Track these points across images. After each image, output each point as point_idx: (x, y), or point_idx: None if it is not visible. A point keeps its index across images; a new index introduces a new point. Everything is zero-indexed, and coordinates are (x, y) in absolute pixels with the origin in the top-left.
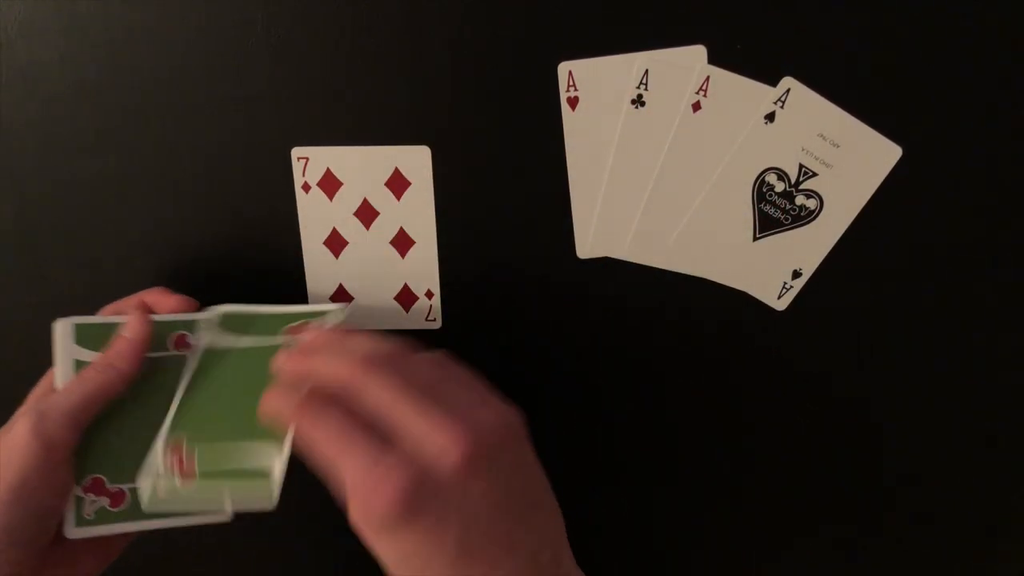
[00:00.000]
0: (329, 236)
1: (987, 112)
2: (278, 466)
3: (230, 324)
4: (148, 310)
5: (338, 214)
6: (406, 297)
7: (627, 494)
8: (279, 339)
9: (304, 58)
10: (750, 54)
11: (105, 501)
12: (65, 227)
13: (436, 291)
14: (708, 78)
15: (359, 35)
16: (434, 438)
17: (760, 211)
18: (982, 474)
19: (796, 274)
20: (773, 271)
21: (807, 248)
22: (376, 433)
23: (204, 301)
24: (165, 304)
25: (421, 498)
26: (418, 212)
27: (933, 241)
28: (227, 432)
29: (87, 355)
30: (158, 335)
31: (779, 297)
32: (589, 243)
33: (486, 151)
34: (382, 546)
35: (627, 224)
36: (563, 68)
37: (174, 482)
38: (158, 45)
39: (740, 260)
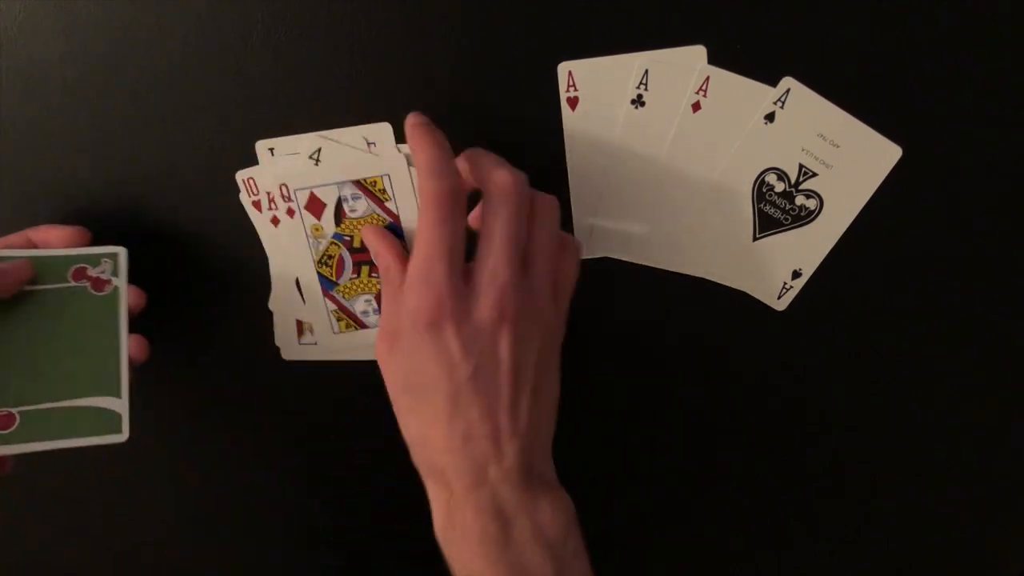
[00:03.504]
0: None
1: (987, 112)
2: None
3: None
4: (32, 246)
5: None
6: None
7: (626, 493)
8: (61, 284)
9: (304, 58)
10: (750, 54)
11: None
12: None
13: None
14: (708, 78)
15: (359, 35)
16: (493, 283)
17: (760, 211)
18: (982, 474)
19: (796, 274)
20: (773, 271)
21: (807, 248)
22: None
23: (205, 302)
24: (54, 236)
25: (450, 321)
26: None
27: (933, 241)
28: (41, 388)
29: None
30: (55, 267)
31: (779, 297)
32: (589, 243)
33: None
34: (394, 340)
35: (627, 224)
36: (563, 68)
37: None
38: (158, 45)
39: (740, 260)
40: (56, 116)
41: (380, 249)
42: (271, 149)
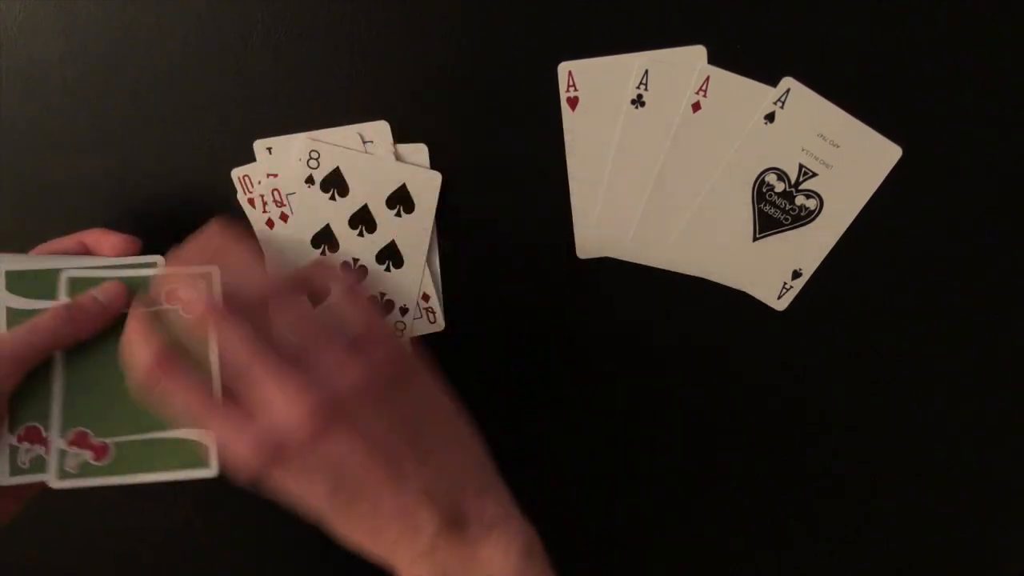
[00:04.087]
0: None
1: (987, 112)
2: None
3: (83, 288)
4: (85, 251)
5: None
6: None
7: (626, 493)
8: (158, 306)
9: (304, 58)
10: (750, 54)
11: (88, 455)
12: (65, 227)
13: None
14: (708, 78)
15: (359, 35)
16: (279, 399)
17: (760, 211)
18: (982, 474)
19: (796, 274)
20: (773, 271)
21: (807, 248)
22: (229, 391)
23: None
24: (106, 243)
25: (277, 459)
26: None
27: (933, 241)
28: (134, 417)
29: (18, 302)
30: (133, 289)
31: (779, 297)
32: (589, 243)
33: (486, 151)
34: (266, 488)
35: (627, 224)
36: (563, 68)
37: (86, 457)
38: (158, 45)
39: (740, 260)
40: (56, 116)
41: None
42: (269, 148)
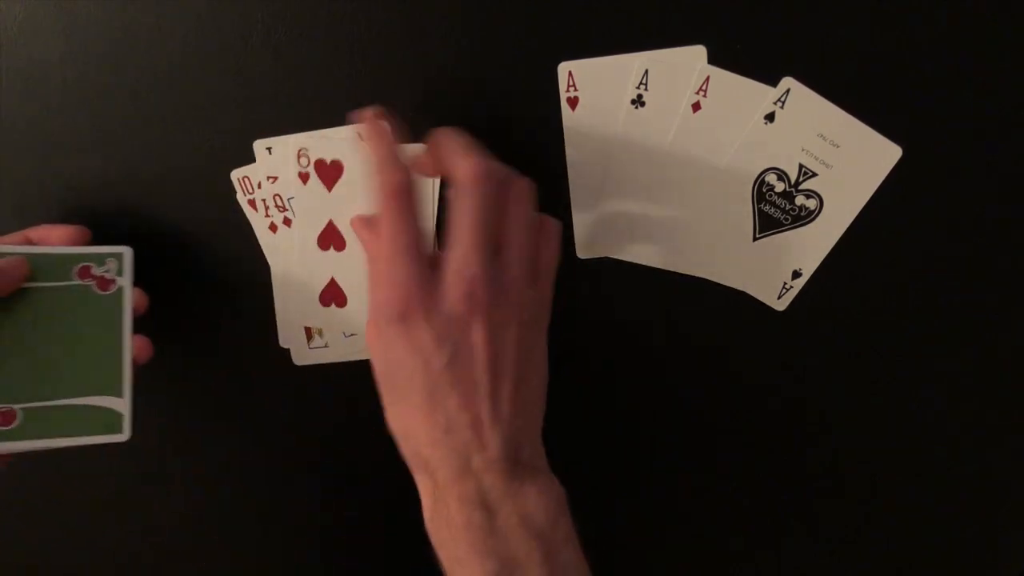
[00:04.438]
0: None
1: (987, 112)
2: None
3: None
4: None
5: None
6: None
7: (626, 493)
8: (65, 281)
9: (304, 58)
10: (750, 54)
11: None
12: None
13: None
14: (708, 78)
15: (359, 35)
16: (461, 273)
17: (760, 211)
18: (982, 474)
19: (796, 274)
20: (773, 271)
21: (807, 248)
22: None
23: (205, 301)
24: (54, 236)
25: (420, 313)
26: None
27: (933, 241)
28: (46, 385)
29: None
30: (59, 266)
31: (779, 297)
32: (589, 243)
33: (486, 151)
34: (372, 333)
35: (627, 224)
36: (563, 68)
37: None
38: (158, 45)
39: (740, 260)
40: (56, 116)
41: (363, 238)
42: (269, 148)
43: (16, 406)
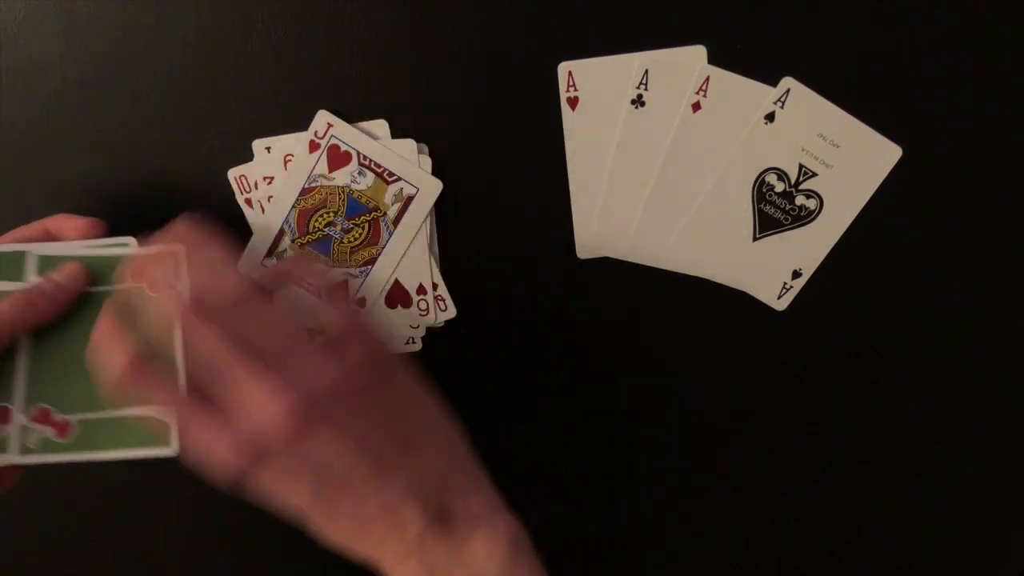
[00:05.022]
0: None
1: (987, 112)
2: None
3: (52, 267)
4: (49, 237)
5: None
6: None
7: (626, 493)
8: (106, 285)
9: (304, 58)
10: (750, 54)
11: (50, 431)
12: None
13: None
14: (708, 78)
15: (359, 35)
16: (257, 400)
17: (760, 211)
18: (982, 474)
19: (796, 274)
20: (773, 271)
21: (807, 248)
22: (203, 392)
23: None
24: (69, 227)
25: (258, 461)
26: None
27: (933, 241)
28: (97, 401)
29: None
30: (115, 268)
31: (779, 297)
32: (589, 243)
33: (486, 151)
34: (247, 490)
35: (627, 224)
36: (563, 68)
37: (47, 433)
38: (158, 45)
39: (740, 260)
40: (56, 116)
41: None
42: (268, 148)
43: (73, 417)
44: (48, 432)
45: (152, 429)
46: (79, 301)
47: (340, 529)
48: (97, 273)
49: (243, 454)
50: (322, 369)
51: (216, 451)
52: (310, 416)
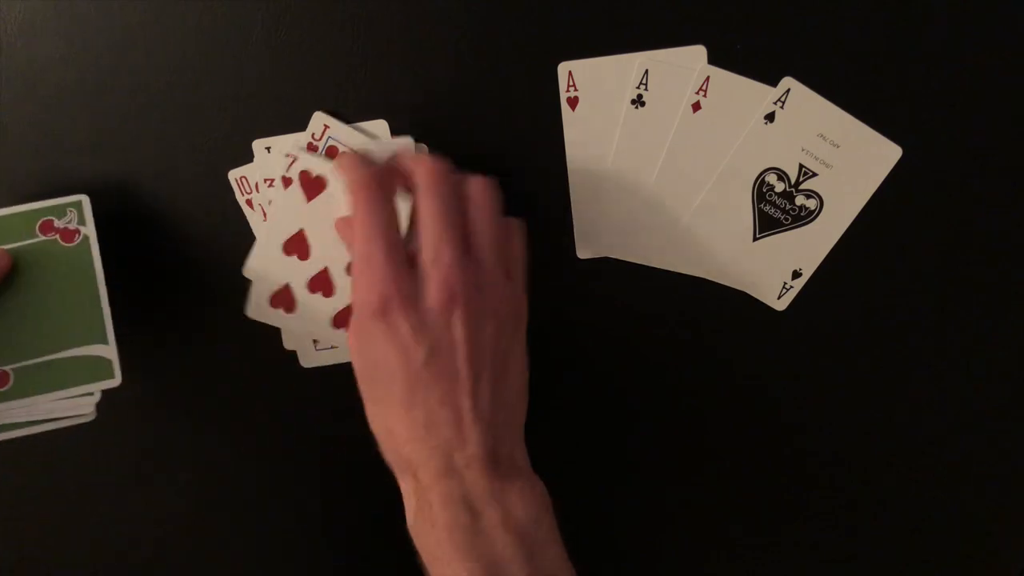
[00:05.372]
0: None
1: (987, 112)
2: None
3: None
4: None
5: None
6: None
7: (626, 494)
8: (29, 240)
9: (304, 58)
10: (750, 54)
11: None
12: None
13: None
14: (708, 78)
15: (359, 34)
16: (437, 265)
17: (760, 211)
18: (982, 474)
19: (796, 274)
20: (773, 271)
21: (807, 248)
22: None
23: (205, 301)
24: None
25: (398, 307)
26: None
27: (933, 241)
28: (25, 345)
29: None
30: (21, 225)
31: (779, 297)
32: (589, 243)
33: (486, 151)
34: (353, 331)
35: (627, 224)
36: (563, 68)
37: None
38: (158, 45)
39: (740, 260)
40: (56, 116)
41: (346, 239)
42: (268, 148)
43: (6, 367)
44: None
45: (94, 365)
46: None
47: (415, 411)
48: (8, 230)
49: (394, 293)
50: (500, 278)
51: (376, 280)
52: (466, 303)
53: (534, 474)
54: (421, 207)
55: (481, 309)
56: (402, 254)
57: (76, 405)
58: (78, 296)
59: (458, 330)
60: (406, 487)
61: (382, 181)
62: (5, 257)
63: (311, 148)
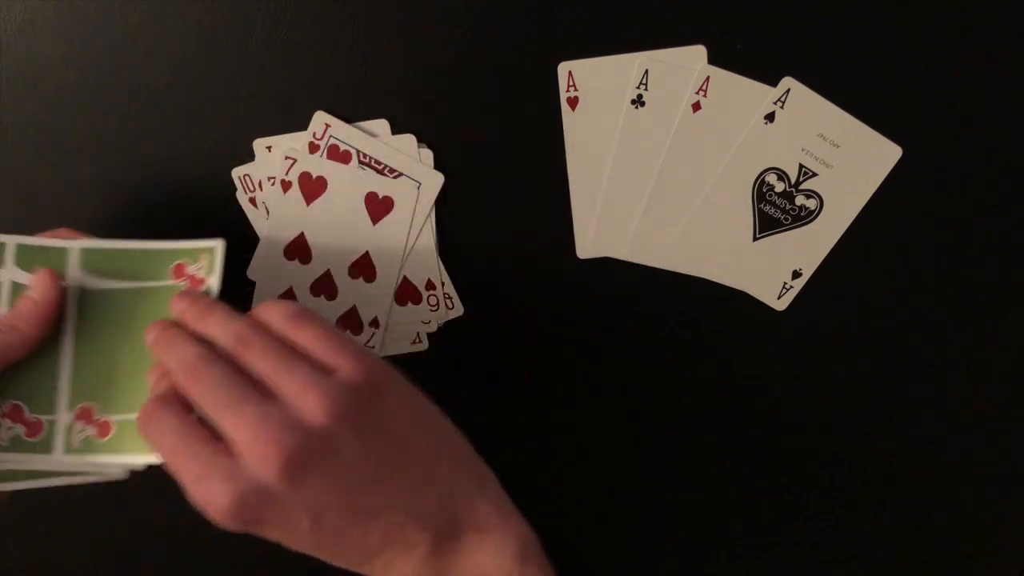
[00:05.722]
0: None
1: (987, 112)
2: None
3: (96, 262)
4: None
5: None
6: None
7: (625, 494)
8: (160, 281)
9: (304, 58)
10: (750, 54)
11: (21, 429)
12: (65, 227)
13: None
14: (708, 78)
15: (359, 35)
16: (259, 444)
17: (760, 211)
18: (982, 474)
19: (796, 274)
20: (773, 271)
21: (807, 248)
22: (209, 434)
23: None
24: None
25: (256, 515)
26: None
27: (933, 241)
28: (137, 395)
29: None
30: (155, 264)
31: (779, 297)
32: (589, 243)
33: (486, 151)
34: (238, 528)
35: (627, 224)
36: (563, 68)
37: (89, 433)
38: (158, 45)
39: (740, 260)
40: (56, 116)
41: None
42: (269, 147)
43: (112, 417)
44: (90, 431)
45: (127, 447)
46: (122, 295)
47: (345, 557)
48: (142, 267)
49: (242, 507)
50: (314, 401)
51: (211, 494)
52: (306, 461)
53: (508, 516)
54: (194, 396)
55: (329, 446)
56: (217, 447)
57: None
58: None
59: (323, 487)
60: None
61: (169, 394)
62: (53, 277)
63: (312, 148)
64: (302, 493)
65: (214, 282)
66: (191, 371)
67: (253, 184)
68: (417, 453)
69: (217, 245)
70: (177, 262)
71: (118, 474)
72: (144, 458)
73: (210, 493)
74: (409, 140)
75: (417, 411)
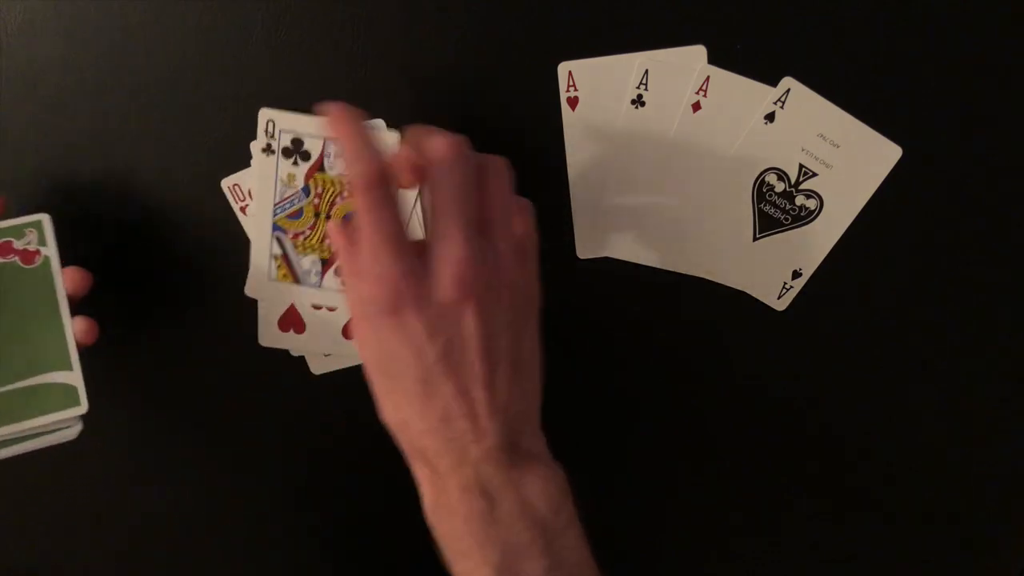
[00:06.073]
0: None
1: (987, 112)
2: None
3: None
4: None
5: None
6: None
7: (625, 493)
8: None
9: (304, 58)
10: (750, 54)
11: None
12: (64, 227)
13: None
14: (708, 78)
15: (359, 34)
16: (449, 258)
17: (760, 211)
18: (982, 474)
19: (796, 274)
20: (773, 271)
21: (807, 248)
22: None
23: (201, 302)
24: None
25: (410, 304)
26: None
27: (933, 241)
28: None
29: None
30: None
31: (779, 297)
32: (589, 243)
33: (486, 151)
34: (361, 325)
35: (627, 224)
36: (563, 68)
37: None
38: (158, 45)
39: (740, 260)
40: (56, 116)
41: (337, 244)
42: (263, 149)
43: None
44: None
45: (58, 392)
46: None
47: (424, 409)
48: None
49: (398, 290)
50: (509, 262)
51: (385, 269)
52: (477, 293)
53: (553, 461)
54: (435, 195)
55: (495, 300)
56: (410, 249)
57: (58, 428)
58: (39, 321)
59: (471, 324)
60: (423, 475)
61: (388, 175)
62: None
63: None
64: (457, 314)
65: (51, 252)
66: (449, 163)
67: (243, 193)
68: (525, 366)
69: (43, 218)
70: (1, 241)
71: (76, 410)
72: (36, 421)
73: (387, 275)
74: (379, 125)
75: (537, 339)
